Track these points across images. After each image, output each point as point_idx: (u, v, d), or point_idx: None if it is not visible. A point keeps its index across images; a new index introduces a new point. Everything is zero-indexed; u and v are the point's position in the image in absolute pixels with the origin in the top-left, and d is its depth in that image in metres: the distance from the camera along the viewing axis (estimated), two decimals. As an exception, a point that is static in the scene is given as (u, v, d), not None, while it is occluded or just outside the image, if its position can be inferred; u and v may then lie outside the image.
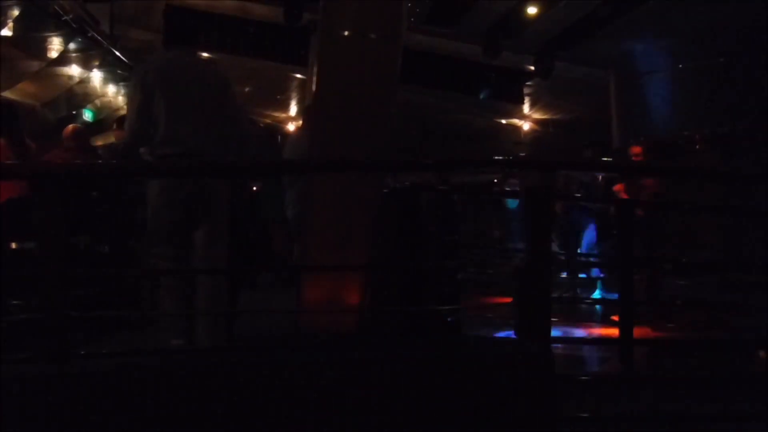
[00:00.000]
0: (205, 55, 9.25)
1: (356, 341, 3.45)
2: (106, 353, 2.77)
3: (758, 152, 7.37)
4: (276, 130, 11.23)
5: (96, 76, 8.67)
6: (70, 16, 6.84)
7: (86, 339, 3.28)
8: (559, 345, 3.53)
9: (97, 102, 9.28)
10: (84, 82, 8.68)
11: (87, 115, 8.47)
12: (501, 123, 12.30)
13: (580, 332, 4.91)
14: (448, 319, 4.06)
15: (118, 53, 7.98)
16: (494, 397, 2.33)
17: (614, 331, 3.96)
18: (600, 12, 8.84)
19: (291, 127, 11.18)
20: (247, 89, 10.28)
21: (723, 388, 3.09)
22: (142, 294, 4.45)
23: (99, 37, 7.62)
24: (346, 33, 3.93)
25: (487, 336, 4.14)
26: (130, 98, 3.42)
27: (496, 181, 9.76)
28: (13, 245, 3.82)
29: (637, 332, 3.76)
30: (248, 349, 3.54)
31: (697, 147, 7.85)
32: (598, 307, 6.01)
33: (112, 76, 8.68)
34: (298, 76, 9.65)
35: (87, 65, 8.36)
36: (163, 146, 3.38)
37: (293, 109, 11.22)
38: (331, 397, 2.44)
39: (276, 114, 11.57)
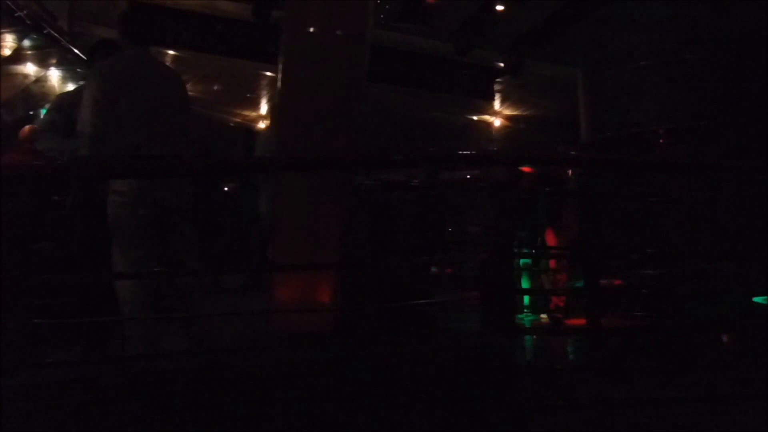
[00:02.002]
0: (172, 53, 9.16)
1: (331, 340, 3.45)
2: (70, 362, 2.72)
3: (723, 146, 7.52)
4: (246, 129, 11.14)
5: (54, 75, 8.49)
6: (24, 12, 6.67)
7: (54, 348, 3.23)
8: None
9: (55, 101, 9.06)
10: (41, 81, 8.48)
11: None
12: (473, 119, 12.38)
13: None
14: (423, 314, 4.08)
15: (77, 51, 7.82)
16: (461, 390, 2.34)
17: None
18: (568, 10, 8.94)
19: (262, 125, 11.11)
20: (215, 87, 10.18)
21: (687, 374, 3.15)
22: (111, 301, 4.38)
23: (56, 34, 7.46)
24: (311, 29, 3.93)
25: (458, 330, 4.16)
26: (87, 99, 3.33)
27: (469, 177, 9.81)
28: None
29: (604, 322, 3.82)
30: (220, 352, 3.51)
31: (662, 141, 7.98)
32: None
33: (71, 75, 8.51)
34: (269, 74, 9.58)
35: (44, 63, 8.19)
36: (125, 149, 3.33)
37: (264, 108, 11.15)
38: (304, 396, 2.43)
39: (246, 113, 11.47)
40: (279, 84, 4.25)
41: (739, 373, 3.10)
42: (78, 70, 8.25)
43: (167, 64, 8.31)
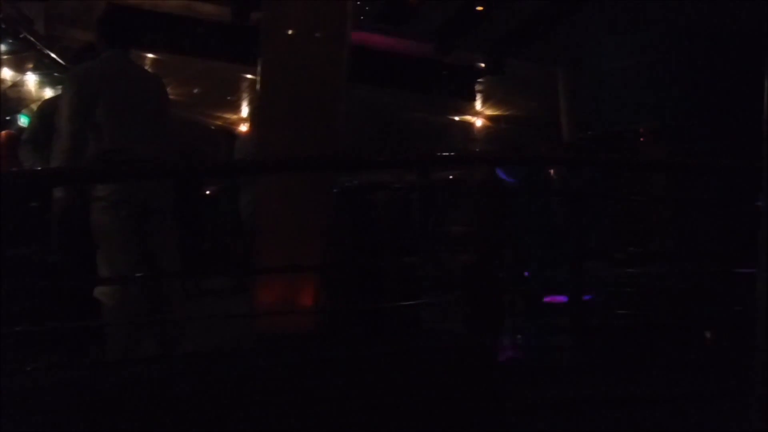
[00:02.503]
0: (151, 55, 9.08)
1: (314, 342, 3.44)
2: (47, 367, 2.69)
3: (703, 145, 7.60)
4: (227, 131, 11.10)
5: (31, 79, 8.39)
6: (0, 17, 6.59)
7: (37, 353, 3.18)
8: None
9: (33, 106, 8.97)
10: (17, 85, 8.36)
11: (22, 121, 8.18)
12: (454, 120, 12.41)
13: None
14: (407, 315, 4.07)
15: (53, 55, 7.73)
16: (444, 389, 2.35)
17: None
18: (549, 10, 9.00)
19: (243, 128, 11.06)
20: (196, 90, 10.11)
21: (671, 371, 3.17)
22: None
23: (32, 39, 7.37)
24: (290, 32, 3.91)
25: (442, 330, 4.16)
26: (66, 102, 3.28)
27: (451, 177, 9.81)
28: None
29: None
30: (203, 356, 3.48)
31: (642, 140, 8.05)
32: None
33: (48, 79, 8.41)
34: (249, 76, 9.53)
35: (20, 68, 8.09)
36: (109, 153, 3.30)
37: (245, 110, 11.09)
38: (288, 398, 2.43)
39: (227, 115, 11.42)
40: (258, 86, 4.23)
41: (721, 371, 3.12)
42: (55, 74, 8.15)
43: (146, 66, 8.25)
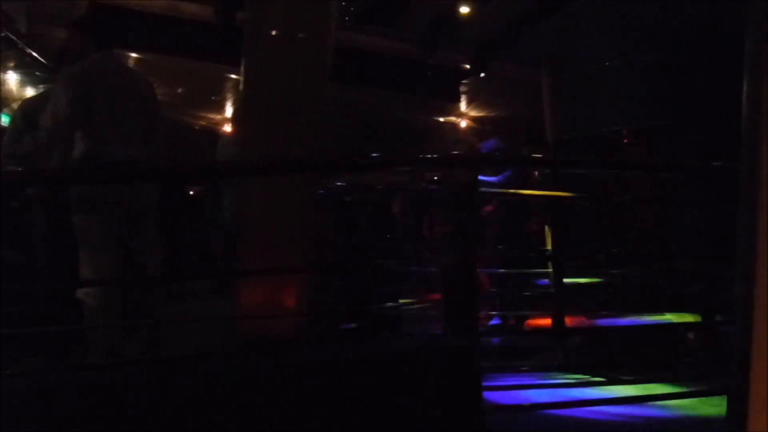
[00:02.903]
0: (135, 55, 9.02)
1: (296, 344, 3.44)
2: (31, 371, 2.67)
3: (685, 146, 7.67)
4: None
5: (12, 78, 8.32)
6: None
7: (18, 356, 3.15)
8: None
9: (14, 105, 8.89)
10: (-2, 84, 8.29)
11: (3, 120, 8.12)
12: (439, 121, 12.42)
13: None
14: (388, 317, 4.08)
15: (35, 54, 7.67)
16: (423, 392, 2.36)
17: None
18: (533, 12, 9.04)
19: (228, 128, 11.02)
20: (180, 90, 10.06)
21: (650, 372, 3.20)
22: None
23: (14, 37, 7.30)
24: (273, 32, 3.90)
25: (422, 332, 4.18)
26: (61, 106, 3.24)
27: (436, 178, 9.82)
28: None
29: (569, 321, 3.87)
30: (183, 359, 3.47)
31: (625, 141, 8.12)
32: None
33: (30, 78, 8.34)
34: (233, 76, 9.49)
35: (1, 67, 8.02)
36: (98, 156, 3.29)
37: (229, 111, 11.05)
38: (270, 402, 2.42)
39: (211, 116, 11.37)
40: (241, 87, 4.22)
41: (701, 370, 3.17)
42: (36, 73, 8.09)
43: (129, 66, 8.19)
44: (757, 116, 1.42)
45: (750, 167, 1.46)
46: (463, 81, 11.06)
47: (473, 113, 12.11)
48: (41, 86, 7.69)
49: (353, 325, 3.65)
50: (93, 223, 3.26)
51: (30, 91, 8.17)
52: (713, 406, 2.55)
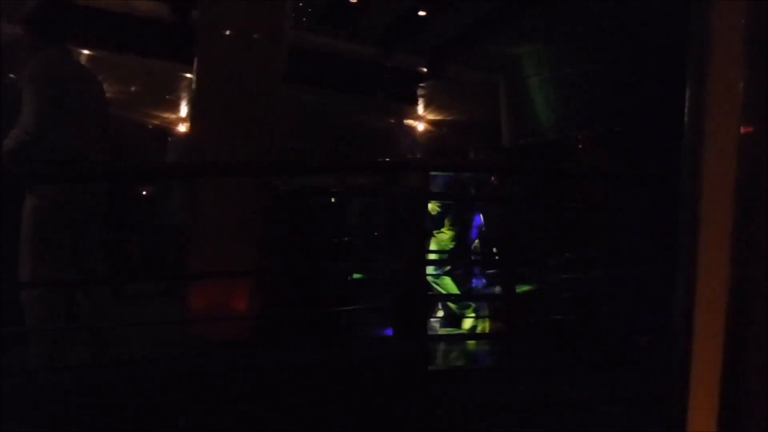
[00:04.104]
0: (87, 52, 8.80)
1: (247, 347, 3.40)
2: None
3: (640, 152, 7.82)
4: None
5: (-41, 74, 8.07)
6: None
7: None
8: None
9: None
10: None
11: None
12: (397, 124, 12.46)
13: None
14: (340, 321, 4.06)
15: None
16: (373, 394, 2.35)
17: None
18: (491, 17, 9.14)
19: (182, 128, 10.85)
20: (132, 89, 9.86)
21: (602, 375, 3.24)
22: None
23: None
24: (227, 32, 3.85)
25: (373, 336, 4.17)
26: (35, 102, 3.11)
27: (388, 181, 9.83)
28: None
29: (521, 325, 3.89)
30: (133, 362, 3.39)
31: (581, 147, 8.24)
32: None
33: (-24, 74, 8.09)
34: (189, 75, 9.34)
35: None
36: (53, 153, 3.19)
37: (184, 110, 10.88)
38: (218, 404, 2.40)
39: (165, 115, 11.17)
40: (194, 87, 4.16)
41: (652, 374, 3.21)
42: (-17, 68, 7.82)
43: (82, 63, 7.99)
44: (699, 123, 1.44)
45: (691, 173, 1.48)
46: (421, 84, 11.13)
47: (431, 116, 12.18)
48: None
49: (305, 329, 3.61)
50: (50, 222, 3.16)
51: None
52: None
